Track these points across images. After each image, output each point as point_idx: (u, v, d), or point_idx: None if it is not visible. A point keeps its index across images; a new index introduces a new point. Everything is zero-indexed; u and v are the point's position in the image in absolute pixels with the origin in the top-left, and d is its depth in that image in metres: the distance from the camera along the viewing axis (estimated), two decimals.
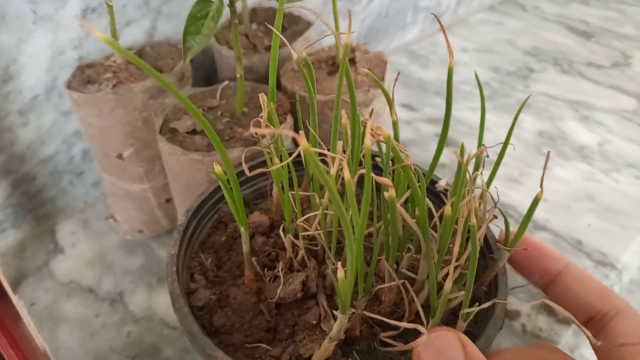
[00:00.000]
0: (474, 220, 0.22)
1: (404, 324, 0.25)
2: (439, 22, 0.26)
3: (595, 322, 0.29)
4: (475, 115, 0.66)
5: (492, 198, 0.28)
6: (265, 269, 0.31)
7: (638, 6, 0.98)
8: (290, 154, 0.29)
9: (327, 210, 0.28)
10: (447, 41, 0.25)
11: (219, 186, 0.34)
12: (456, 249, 0.24)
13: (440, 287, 0.27)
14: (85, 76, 0.42)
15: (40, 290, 0.45)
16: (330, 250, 0.29)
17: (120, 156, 0.42)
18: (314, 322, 0.28)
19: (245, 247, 0.29)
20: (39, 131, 0.46)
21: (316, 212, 0.28)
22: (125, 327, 0.42)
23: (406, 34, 0.83)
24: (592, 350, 0.28)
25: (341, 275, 0.21)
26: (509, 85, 0.74)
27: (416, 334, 0.26)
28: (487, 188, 0.28)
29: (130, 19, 0.46)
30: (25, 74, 0.42)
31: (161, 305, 0.43)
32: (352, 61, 0.44)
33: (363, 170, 0.20)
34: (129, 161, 0.43)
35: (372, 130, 0.23)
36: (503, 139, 0.29)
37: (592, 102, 0.70)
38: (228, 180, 0.26)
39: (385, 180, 0.21)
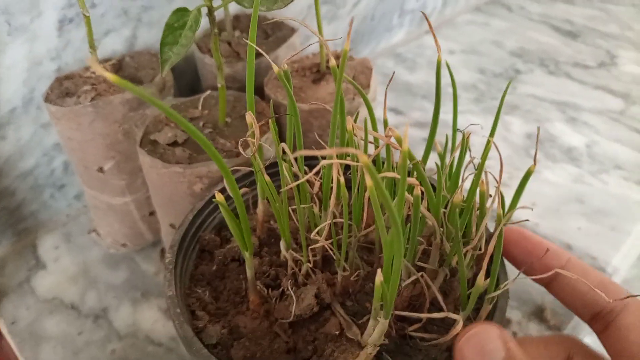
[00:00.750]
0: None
1: (441, 315, 0.25)
2: (427, 21, 0.26)
3: (602, 317, 0.29)
4: (463, 118, 0.65)
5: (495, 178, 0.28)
6: (269, 289, 0.30)
7: (622, 5, 0.98)
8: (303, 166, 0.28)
9: (336, 218, 0.28)
10: (435, 39, 0.25)
11: (196, 214, 0.33)
12: (480, 232, 0.27)
13: (452, 272, 0.30)
14: (63, 88, 0.41)
15: (21, 308, 0.44)
16: (343, 258, 0.28)
17: (101, 169, 0.41)
18: (336, 332, 0.28)
19: (249, 272, 0.29)
20: (17, 144, 0.44)
21: (323, 224, 0.27)
22: (110, 344, 0.41)
23: (392, 37, 0.83)
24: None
25: (381, 280, 0.21)
26: (496, 87, 0.73)
27: (438, 323, 0.29)
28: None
29: (109, 28, 0.45)
30: (1, 86, 0.41)
31: (146, 321, 0.42)
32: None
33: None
34: (110, 174, 0.42)
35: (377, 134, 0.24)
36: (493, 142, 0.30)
37: (579, 103, 0.70)
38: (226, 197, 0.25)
39: (412, 180, 0.23)
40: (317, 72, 0.43)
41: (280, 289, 0.30)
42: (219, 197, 0.24)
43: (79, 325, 0.43)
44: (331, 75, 0.42)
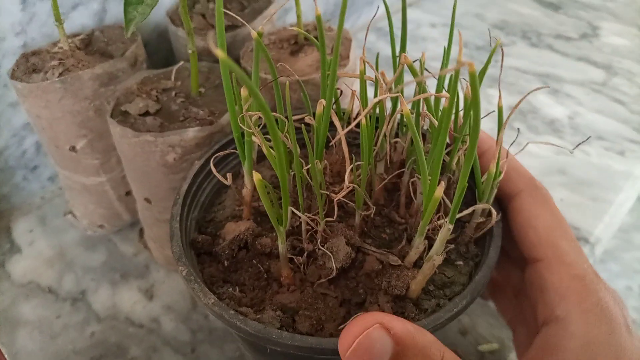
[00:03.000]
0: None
1: (470, 209, 0.28)
2: None
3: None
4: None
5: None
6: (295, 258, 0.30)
7: None
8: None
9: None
10: None
11: (179, 220, 0.31)
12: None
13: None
14: (30, 64, 0.39)
15: None
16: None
17: (73, 148, 0.40)
18: (379, 267, 0.28)
19: (282, 248, 0.28)
20: None
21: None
22: (89, 327, 0.40)
23: (373, 10, 0.81)
24: None
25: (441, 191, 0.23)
26: (479, 60, 0.72)
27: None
28: None
29: (77, 2, 0.43)
30: None
31: (125, 302, 0.42)
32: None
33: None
34: (83, 153, 0.40)
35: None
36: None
37: (561, 75, 0.69)
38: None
39: (444, 94, 0.25)
40: (295, 43, 0.41)
41: (305, 254, 0.29)
42: (257, 176, 0.23)
43: (56, 309, 0.42)
44: (310, 47, 0.41)
